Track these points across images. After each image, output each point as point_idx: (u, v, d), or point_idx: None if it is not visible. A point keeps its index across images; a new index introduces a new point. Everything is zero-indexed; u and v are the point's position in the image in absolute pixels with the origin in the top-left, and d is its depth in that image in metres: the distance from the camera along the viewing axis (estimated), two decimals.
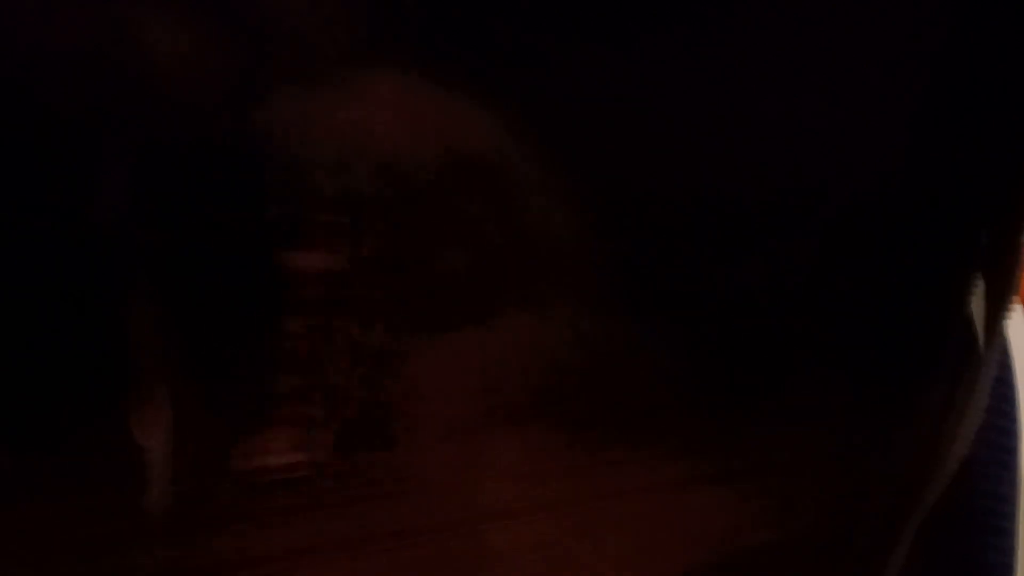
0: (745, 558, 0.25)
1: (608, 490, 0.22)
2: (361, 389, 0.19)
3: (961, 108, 0.23)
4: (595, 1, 0.19)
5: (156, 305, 0.17)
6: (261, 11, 0.16)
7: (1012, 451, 0.27)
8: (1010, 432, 0.26)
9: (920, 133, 0.23)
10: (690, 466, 0.23)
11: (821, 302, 0.23)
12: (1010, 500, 0.27)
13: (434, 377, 0.19)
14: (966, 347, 0.24)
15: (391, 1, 0.17)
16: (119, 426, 0.17)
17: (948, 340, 0.24)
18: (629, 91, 0.19)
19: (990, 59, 0.23)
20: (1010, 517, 0.27)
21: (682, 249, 0.21)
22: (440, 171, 0.18)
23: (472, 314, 0.19)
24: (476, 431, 0.20)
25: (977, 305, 0.24)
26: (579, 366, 0.21)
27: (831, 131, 0.22)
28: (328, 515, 0.19)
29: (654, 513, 0.23)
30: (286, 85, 0.17)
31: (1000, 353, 0.26)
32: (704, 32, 0.20)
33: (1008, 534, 0.27)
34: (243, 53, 0.16)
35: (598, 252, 0.20)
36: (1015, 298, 0.24)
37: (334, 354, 0.18)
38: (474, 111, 0.18)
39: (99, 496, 0.17)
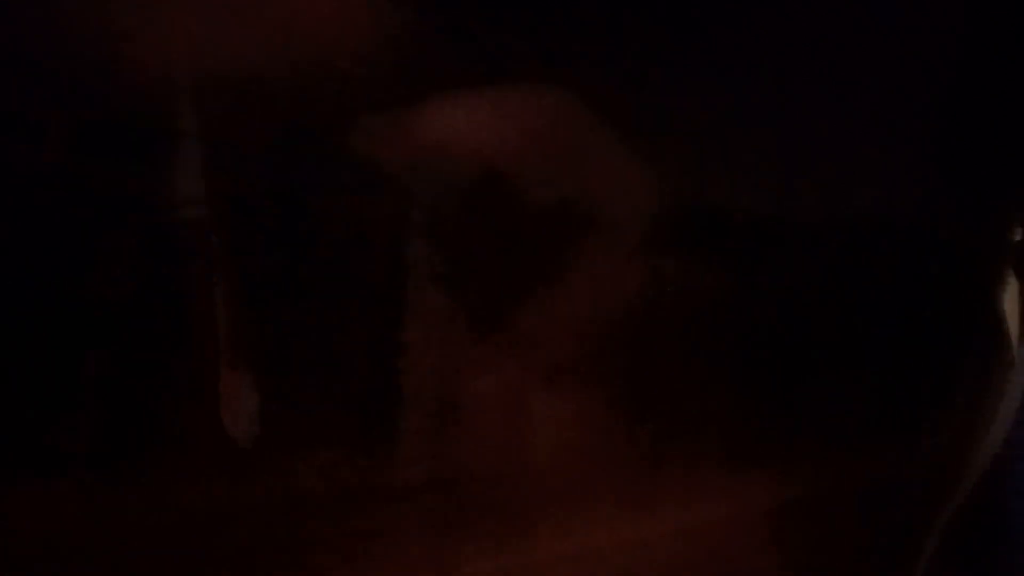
0: (762, 558, 0.24)
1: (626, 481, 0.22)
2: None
3: (993, 101, 0.23)
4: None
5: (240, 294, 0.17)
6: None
7: None
8: None
9: (949, 126, 0.23)
10: (703, 467, 0.23)
11: (846, 300, 0.23)
12: None
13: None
14: (997, 346, 0.24)
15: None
16: (208, 416, 0.17)
17: (978, 339, 0.24)
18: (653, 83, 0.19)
19: (1021, 50, 0.22)
20: None
21: (704, 241, 0.21)
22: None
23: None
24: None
25: (1010, 303, 0.24)
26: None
27: (857, 124, 0.22)
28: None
29: (661, 499, 0.23)
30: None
31: None
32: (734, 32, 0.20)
33: None
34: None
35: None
36: None
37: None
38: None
39: (189, 487, 0.17)
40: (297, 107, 0.17)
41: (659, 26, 0.19)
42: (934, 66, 0.22)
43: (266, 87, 0.17)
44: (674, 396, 0.22)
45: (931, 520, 0.26)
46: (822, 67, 0.21)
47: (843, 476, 0.25)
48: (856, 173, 0.22)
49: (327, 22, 0.17)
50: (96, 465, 0.17)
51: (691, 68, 0.20)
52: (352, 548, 0.19)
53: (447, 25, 0.18)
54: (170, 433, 0.17)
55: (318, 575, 0.18)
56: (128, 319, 0.16)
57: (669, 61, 0.19)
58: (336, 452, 0.18)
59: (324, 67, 0.17)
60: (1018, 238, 0.23)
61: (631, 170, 0.20)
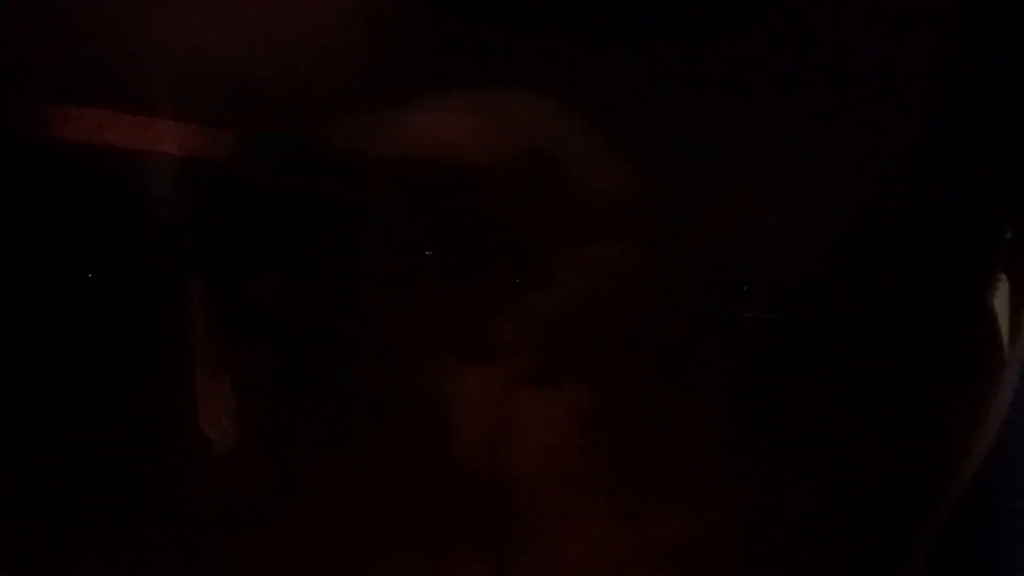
0: (761, 559, 0.24)
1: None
2: None
3: (986, 101, 0.22)
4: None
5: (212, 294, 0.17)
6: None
7: None
8: None
9: (941, 126, 0.23)
10: (701, 465, 0.23)
11: (836, 300, 0.23)
12: None
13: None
14: (988, 346, 0.24)
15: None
16: (185, 417, 0.17)
17: (970, 339, 0.24)
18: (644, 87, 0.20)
19: (1015, 51, 0.22)
20: None
21: (693, 241, 0.21)
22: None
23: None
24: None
25: (1000, 304, 0.24)
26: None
27: (849, 124, 0.22)
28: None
29: (669, 500, 0.23)
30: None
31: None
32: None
33: None
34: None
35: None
36: None
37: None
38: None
39: (171, 486, 0.17)
40: (285, 104, 0.17)
41: (650, 29, 0.19)
42: (927, 68, 0.22)
43: (254, 85, 0.17)
44: (668, 400, 0.22)
45: (928, 518, 0.26)
46: (815, 66, 0.21)
47: (838, 476, 0.25)
48: (847, 173, 0.22)
49: (320, 23, 0.17)
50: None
51: (688, 67, 0.20)
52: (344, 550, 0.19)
53: (435, 28, 0.18)
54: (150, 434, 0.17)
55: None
56: (108, 323, 0.17)
57: (655, 62, 0.19)
58: (324, 453, 0.18)
59: (314, 68, 0.17)
60: (1008, 238, 0.23)
61: (616, 174, 0.20)
